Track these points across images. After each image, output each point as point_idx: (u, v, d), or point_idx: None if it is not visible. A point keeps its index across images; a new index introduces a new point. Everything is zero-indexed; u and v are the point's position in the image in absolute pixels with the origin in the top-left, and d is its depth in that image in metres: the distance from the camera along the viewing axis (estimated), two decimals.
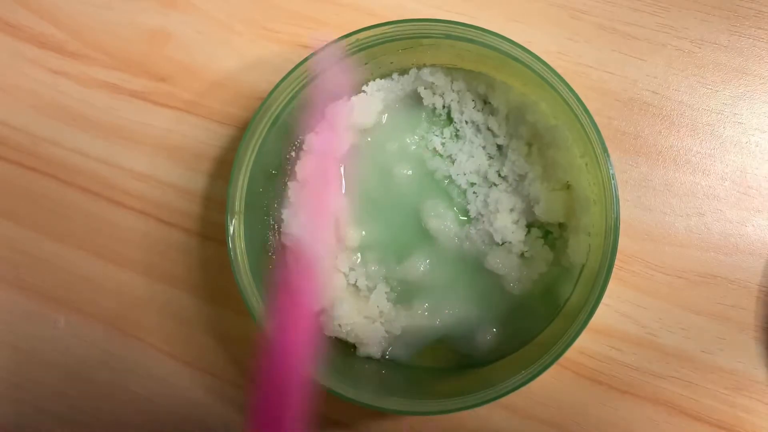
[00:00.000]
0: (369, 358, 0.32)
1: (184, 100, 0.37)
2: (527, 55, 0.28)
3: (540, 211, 0.32)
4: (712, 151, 0.35)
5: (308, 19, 0.37)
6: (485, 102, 0.34)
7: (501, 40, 0.28)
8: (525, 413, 0.34)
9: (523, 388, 0.30)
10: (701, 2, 0.36)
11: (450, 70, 0.33)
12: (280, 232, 0.32)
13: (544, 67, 0.28)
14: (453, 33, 0.28)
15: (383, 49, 0.29)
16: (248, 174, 0.29)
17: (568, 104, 0.28)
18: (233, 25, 0.37)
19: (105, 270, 0.37)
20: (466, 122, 0.34)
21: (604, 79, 0.36)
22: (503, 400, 0.29)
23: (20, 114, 0.38)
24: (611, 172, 0.28)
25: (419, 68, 0.33)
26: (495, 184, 0.33)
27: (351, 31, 0.37)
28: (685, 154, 0.35)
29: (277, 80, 0.37)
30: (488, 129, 0.33)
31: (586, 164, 0.30)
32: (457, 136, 0.34)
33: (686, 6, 0.36)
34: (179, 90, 0.37)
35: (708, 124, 0.35)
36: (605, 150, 0.28)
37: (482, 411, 0.34)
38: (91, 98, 0.38)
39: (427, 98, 0.33)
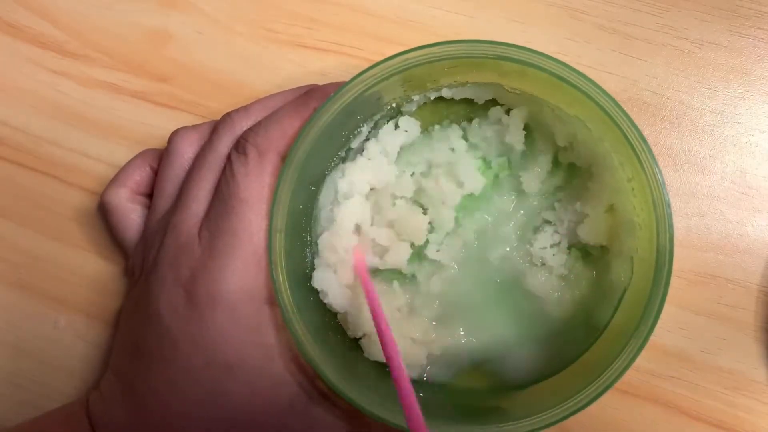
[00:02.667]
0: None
1: (184, 100, 0.37)
2: (580, 78, 0.28)
3: (583, 233, 0.32)
4: (712, 151, 0.35)
5: (308, 19, 0.37)
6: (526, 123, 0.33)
7: (550, 60, 0.28)
8: None
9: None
10: (701, 2, 0.36)
11: (489, 88, 0.33)
12: (317, 249, 0.32)
13: (596, 89, 0.27)
14: (501, 54, 0.28)
15: (429, 68, 0.29)
16: (291, 190, 0.29)
17: (620, 128, 0.27)
18: (233, 25, 0.37)
19: (106, 270, 0.37)
20: (505, 143, 0.33)
21: (604, 79, 0.36)
22: None
23: (20, 114, 0.38)
24: (667, 200, 0.27)
25: (458, 86, 0.32)
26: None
27: (352, 31, 0.37)
28: (685, 154, 0.35)
29: (277, 80, 0.37)
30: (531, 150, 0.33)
31: (633, 188, 0.29)
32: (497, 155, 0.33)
33: (686, 6, 0.36)
34: (179, 90, 0.37)
35: (708, 124, 0.35)
36: (661, 176, 0.27)
37: None
38: (91, 98, 0.38)
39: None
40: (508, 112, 0.33)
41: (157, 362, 0.30)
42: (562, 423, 0.34)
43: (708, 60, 0.36)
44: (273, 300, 0.29)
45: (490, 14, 0.37)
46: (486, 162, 0.34)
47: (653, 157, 0.27)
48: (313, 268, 0.31)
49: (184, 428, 0.30)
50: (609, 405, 0.34)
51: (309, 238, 0.32)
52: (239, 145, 0.30)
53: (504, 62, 0.28)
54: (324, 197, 0.32)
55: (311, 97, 0.31)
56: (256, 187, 0.30)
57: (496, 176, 0.33)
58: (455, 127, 0.33)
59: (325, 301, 0.31)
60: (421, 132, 0.33)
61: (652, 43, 0.36)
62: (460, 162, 0.33)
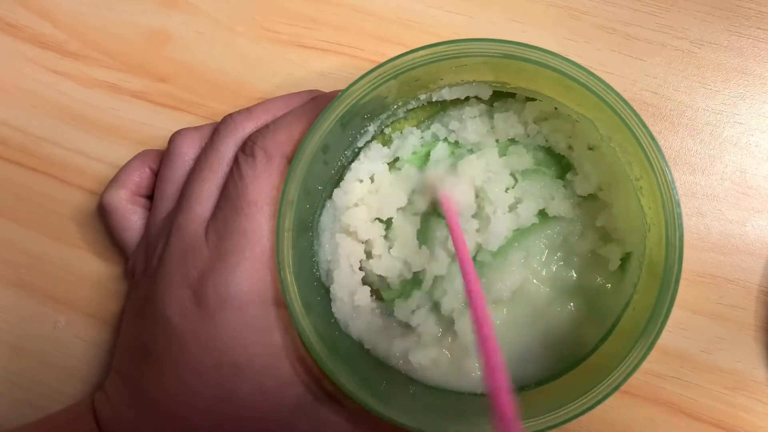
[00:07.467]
0: (414, 382, 0.32)
1: (184, 100, 0.37)
2: (591, 77, 0.27)
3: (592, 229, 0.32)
4: (712, 151, 0.35)
5: (308, 19, 0.37)
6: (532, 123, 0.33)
7: (557, 58, 0.27)
8: None
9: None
10: (701, 2, 0.36)
11: (496, 86, 0.32)
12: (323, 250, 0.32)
13: (606, 89, 0.27)
14: (512, 53, 0.28)
15: (437, 68, 0.29)
16: (298, 190, 0.29)
17: (629, 127, 0.27)
18: (233, 26, 0.37)
19: (106, 270, 0.37)
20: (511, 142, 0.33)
21: (604, 79, 0.36)
22: None
23: (20, 114, 0.38)
24: (676, 199, 0.27)
25: (465, 84, 0.32)
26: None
27: (352, 31, 0.37)
28: (685, 154, 0.35)
29: (277, 80, 0.37)
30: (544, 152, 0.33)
31: (641, 188, 0.29)
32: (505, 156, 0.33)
33: (686, 6, 0.36)
34: (179, 90, 0.37)
35: (708, 124, 0.35)
36: (671, 175, 0.27)
37: None
38: (91, 98, 0.38)
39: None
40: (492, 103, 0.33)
41: (165, 363, 0.30)
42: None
43: (708, 60, 0.36)
44: (281, 302, 0.29)
45: (490, 14, 0.37)
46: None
47: (663, 157, 0.27)
48: (318, 267, 0.32)
49: (193, 428, 0.30)
50: (609, 405, 0.34)
51: (315, 240, 0.32)
52: (246, 147, 0.30)
53: (514, 61, 0.28)
54: (325, 217, 0.32)
55: (318, 103, 0.31)
56: (264, 189, 0.30)
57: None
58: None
59: (346, 332, 0.31)
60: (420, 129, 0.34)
61: (651, 43, 0.36)
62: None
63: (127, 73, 0.38)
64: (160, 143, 0.36)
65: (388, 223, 0.33)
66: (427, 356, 0.31)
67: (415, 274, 0.33)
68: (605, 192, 0.32)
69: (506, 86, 0.32)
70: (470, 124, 0.33)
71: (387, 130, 0.34)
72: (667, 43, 0.36)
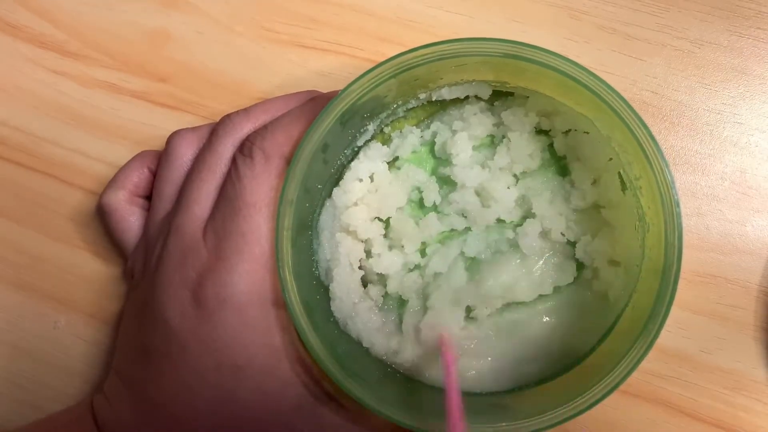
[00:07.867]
0: (413, 381, 0.32)
1: (184, 100, 0.37)
2: (591, 78, 0.27)
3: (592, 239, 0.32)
4: (712, 151, 0.35)
5: (308, 19, 0.37)
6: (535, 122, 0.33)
7: (557, 58, 0.27)
8: None
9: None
10: (701, 2, 0.36)
11: (496, 86, 0.32)
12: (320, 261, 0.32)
13: (608, 90, 0.27)
14: (509, 52, 0.28)
15: (438, 66, 0.29)
16: (297, 188, 0.29)
17: (629, 127, 0.27)
18: (233, 26, 0.38)
19: (106, 270, 0.37)
20: (508, 141, 0.33)
21: (604, 79, 0.36)
22: None
23: (20, 114, 0.38)
24: (676, 199, 0.27)
25: (465, 84, 0.32)
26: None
27: (352, 31, 0.37)
28: (685, 155, 0.35)
29: (277, 80, 0.37)
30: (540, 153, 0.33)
31: (641, 188, 0.29)
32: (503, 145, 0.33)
33: (686, 6, 0.36)
34: (179, 90, 0.37)
35: (708, 124, 0.35)
36: (670, 175, 0.27)
37: None
38: (91, 98, 0.38)
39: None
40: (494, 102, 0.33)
41: (165, 363, 0.30)
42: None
43: (708, 60, 0.36)
44: (280, 302, 0.29)
45: (490, 14, 0.37)
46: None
47: (663, 156, 0.27)
48: (317, 266, 0.32)
49: (193, 428, 0.30)
50: (608, 405, 0.34)
51: (315, 239, 0.32)
52: (245, 148, 0.30)
53: (514, 61, 0.28)
54: (325, 216, 0.32)
55: (316, 103, 0.31)
56: (263, 190, 0.30)
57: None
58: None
59: (345, 331, 0.31)
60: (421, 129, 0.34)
61: (651, 43, 0.36)
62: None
63: (127, 73, 0.38)
64: (160, 143, 0.36)
65: (387, 222, 0.33)
66: (424, 355, 0.31)
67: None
68: (606, 210, 0.32)
69: (506, 86, 0.32)
70: (474, 120, 0.33)
71: (387, 129, 0.34)
72: (667, 43, 0.36)
